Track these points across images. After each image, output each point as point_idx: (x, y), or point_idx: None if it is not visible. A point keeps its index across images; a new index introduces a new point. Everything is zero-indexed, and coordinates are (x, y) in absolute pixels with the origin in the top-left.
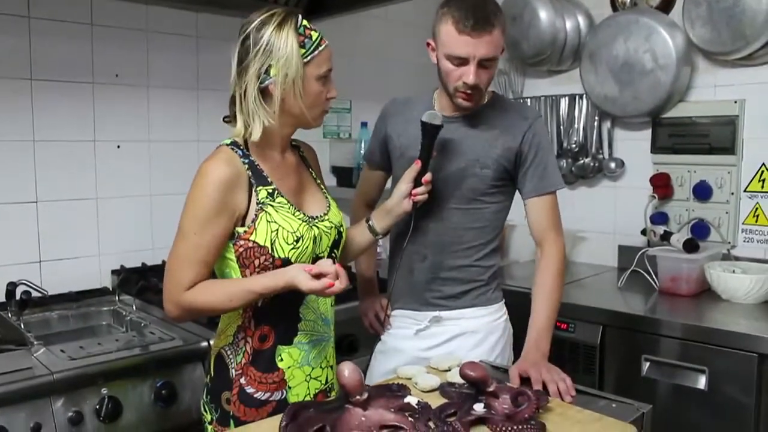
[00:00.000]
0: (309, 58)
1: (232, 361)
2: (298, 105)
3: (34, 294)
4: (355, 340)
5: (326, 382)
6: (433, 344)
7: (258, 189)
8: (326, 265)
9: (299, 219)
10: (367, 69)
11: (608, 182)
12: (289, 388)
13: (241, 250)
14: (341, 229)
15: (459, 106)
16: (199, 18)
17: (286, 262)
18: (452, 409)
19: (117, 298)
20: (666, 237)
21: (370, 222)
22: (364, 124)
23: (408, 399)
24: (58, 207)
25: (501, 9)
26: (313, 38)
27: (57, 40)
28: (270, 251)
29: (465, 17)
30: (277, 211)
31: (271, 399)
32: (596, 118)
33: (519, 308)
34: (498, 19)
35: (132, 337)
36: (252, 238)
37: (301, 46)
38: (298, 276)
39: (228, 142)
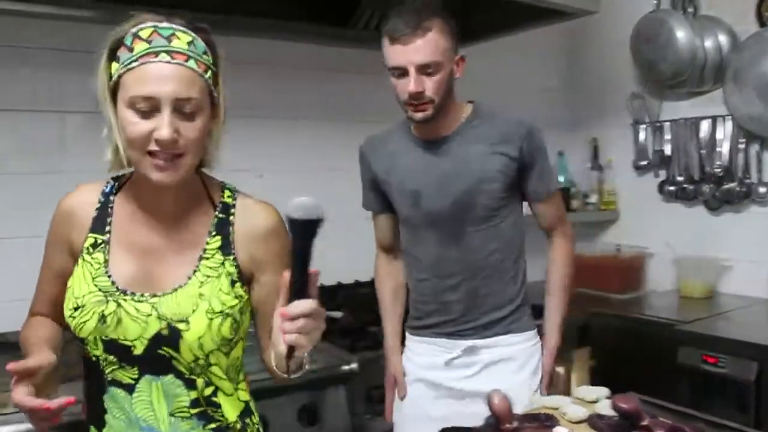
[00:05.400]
0: (116, 76)
1: None
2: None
3: None
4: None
5: None
6: (467, 374)
7: (88, 235)
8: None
9: (96, 285)
10: (493, 95)
11: (757, 208)
12: None
13: None
14: (179, 326)
15: (412, 120)
16: (315, 50)
17: (68, 327)
18: None
19: None
20: None
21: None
22: None
23: (557, 429)
24: None
25: (443, 13)
26: (135, 51)
27: None
28: (64, 309)
29: (395, 26)
30: (83, 266)
31: None
32: (742, 140)
33: None
34: (433, 22)
35: None
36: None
37: (116, 59)
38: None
39: (120, 173)
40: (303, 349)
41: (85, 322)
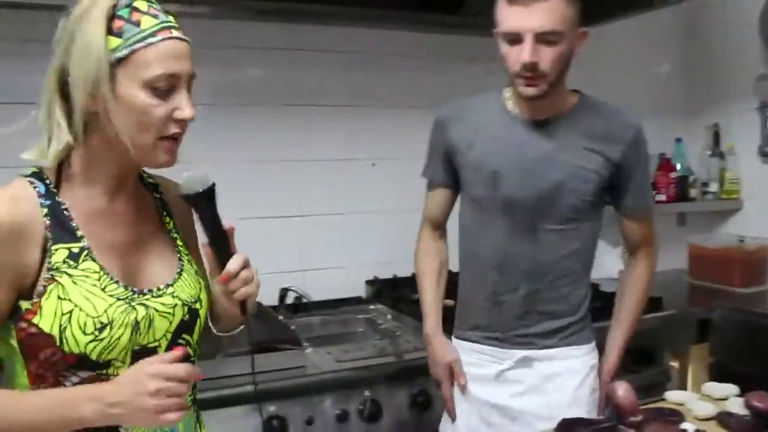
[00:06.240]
0: (126, 51)
1: None
2: (112, 125)
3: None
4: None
5: None
6: (518, 390)
7: (54, 248)
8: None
9: (111, 295)
10: (604, 83)
11: None
12: None
13: (23, 335)
14: (196, 306)
15: (522, 95)
16: (425, 39)
17: (81, 360)
18: None
19: (370, 306)
20: None
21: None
22: None
23: (684, 425)
24: (318, 221)
25: None
26: (144, 26)
27: (318, 69)
28: (58, 343)
29: None
30: (76, 282)
31: None
32: None
33: None
34: None
35: (387, 344)
36: (35, 320)
37: (116, 34)
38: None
39: (29, 171)
40: (253, 297)
41: (119, 338)
